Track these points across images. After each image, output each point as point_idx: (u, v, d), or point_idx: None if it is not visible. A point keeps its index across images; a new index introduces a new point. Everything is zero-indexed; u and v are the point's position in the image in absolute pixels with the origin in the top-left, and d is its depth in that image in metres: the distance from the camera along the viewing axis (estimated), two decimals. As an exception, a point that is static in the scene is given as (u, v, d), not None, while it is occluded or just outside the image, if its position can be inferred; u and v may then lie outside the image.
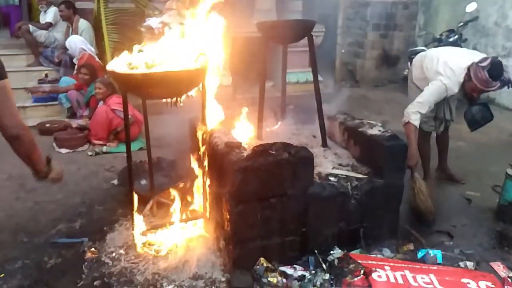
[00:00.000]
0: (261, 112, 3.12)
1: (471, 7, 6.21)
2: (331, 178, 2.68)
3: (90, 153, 4.46)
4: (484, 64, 3.07)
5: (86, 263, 2.59)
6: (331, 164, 2.89)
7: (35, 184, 3.69)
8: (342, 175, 2.74)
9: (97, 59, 5.69)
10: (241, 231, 2.39)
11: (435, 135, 3.79)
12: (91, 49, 5.74)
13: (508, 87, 3.38)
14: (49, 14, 6.35)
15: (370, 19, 7.93)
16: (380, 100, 6.96)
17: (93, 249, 2.71)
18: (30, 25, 6.25)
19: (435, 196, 3.30)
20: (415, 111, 3.15)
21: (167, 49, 2.45)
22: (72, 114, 5.41)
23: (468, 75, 3.15)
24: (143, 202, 2.96)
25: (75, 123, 4.91)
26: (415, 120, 3.14)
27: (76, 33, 6.02)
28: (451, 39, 6.10)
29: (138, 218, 2.61)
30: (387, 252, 2.69)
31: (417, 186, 3.11)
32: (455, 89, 3.22)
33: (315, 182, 2.58)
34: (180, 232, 2.72)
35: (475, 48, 6.51)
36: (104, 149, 4.52)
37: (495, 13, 6.63)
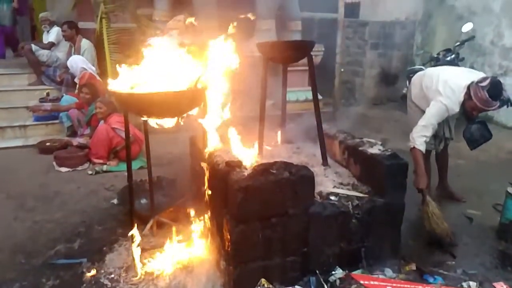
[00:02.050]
0: (261, 130, 3.14)
1: (467, 27, 6.31)
2: (332, 197, 2.67)
3: (90, 172, 4.45)
4: (484, 84, 3.10)
5: (84, 284, 2.55)
6: (331, 183, 2.88)
7: (34, 203, 3.70)
8: (343, 194, 2.73)
9: (98, 78, 5.75)
10: (242, 251, 2.37)
11: (435, 153, 3.80)
12: (92, 68, 5.80)
13: (508, 106, 3.40)
14: (52, 34, 6.45)
15: (368, 38, 8.05)
16: (380, 118, 7.00)
17: (92, 270, 2.67)
18: (33, 45, 6.34)
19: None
20: (420, 135, 3.19)
21: (168, 68, 2.48)
22: (73, 133, 5.42)
23: (468, 94, 3.18)
24: (143, 221, 2.94)
25: (75, 141, 4.93)
26: (421, 145, 3.18)
27: (78, 53, 6.10)
28: (448, 58, 6.17)
29: (138, 238, 2.59)
30: (389, 272, 2.66)
31: (430, 209, 3.06)
32: (456, 108, 3.24)
33: (316, 201, 2.57)
34: (181, 252, 2.69)
35: (472, 67, 6.58)
36: (104, 168, 4.52)
37: (491, 32, 6.74)
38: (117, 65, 2.49)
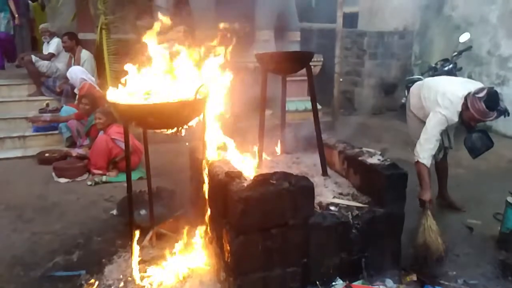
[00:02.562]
0: (261, 141, 3.14)
1: (464, 38, 6.37)
2: (332, 208, 2.66)
3: (89, 183, 4.44)
4: (481, 95, 3.11)
5: (83, 296, 2.54)
6: (331, 193, 2.88)
7: (33, 214, 3.69)
8: (343, 204, 2.73)
9: (98, 88, 5.76)
10: (242, 263, 2.36)
11: (434, 162, 3.80)
12: (92, 79, 5.82)
13: (505, 116, 3.42)
14: (52, 45, 6.50)
15: (367, 48, 8.10)
16: (379, 128, 7.01)
17: (91, 282, 2.66)
18: (33, 56, 6.37)
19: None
20: (424, 149, 3.22)
21: (167, 79, 2.49)
22: (72, 143, 5.42)
23: (465, 104, 3.19)
24: (142, 232, 2.92)
25: (75, 152, 4.93)
26: (424, 159, 3.21)
27: (78, 64, 6.13)
28: (446, 68, 6.22)
29: (137, 250, 2.58)
30: (390, 283, 2.64)
31: (428, 223, 3.06)
32: (455, 118, 3.26)
33: (316, 212, 2.57)
34: (180, 263, 2.68)
35: (470, 77, 6.63)
36: (104, 178, 4.51)
37: (487, 42, 6.79)
38: (119, 78, 2.50)
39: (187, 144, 3.33)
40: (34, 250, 3.11)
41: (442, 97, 3.29)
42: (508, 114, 3.50)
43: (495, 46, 6.69)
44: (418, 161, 3.24)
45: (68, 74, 5.84)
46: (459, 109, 3.23)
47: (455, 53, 6.41)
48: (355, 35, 8.37)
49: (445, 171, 3.85)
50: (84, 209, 3.83)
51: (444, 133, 3.55)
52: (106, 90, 2.41)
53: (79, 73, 5.75)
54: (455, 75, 5.81)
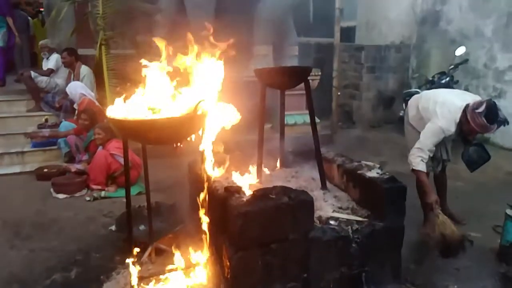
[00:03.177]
0: (260, 155, 3.14)
1: (460, 51, 6.43)
2: (332, 222, 2.66)
3: (88, 198, 4.43)
4: (480, 110, 3.13)
5: (81, 314, 2.51)
6: (331, 207, 2.88)
7: (31, 231, 3.67)
8: (342, 218, 2.72)
9: (97, 104, 5.78)
10: (242, 278, 2.34)
11: (433, 175, 3.80)
12: (91, 94, 5.84)
13: (504, 125, 3.44)
14: (51, 61, 6.52)
15: (364, 62, 8.16)
16: (377, 141, 7.03)
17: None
18: (32, 72, 6.40)
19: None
20: (415, 157, 3.26)
21: (167, 94, 2.50)
22: (70, 159, 5.41)
23: (465, 117, 3.21)
24: (141, 248, 2.90)
25: (74, 167, 4.91)
26: (418, 165, 3.24)
27: (78, 79, 6.15)
28: (443, 81, 6.26)
29: (136, 266, 2.55)
30: (390, 297, 2.63)
31: (440, 219, 3.13)
32: (451, 129, 3.27)
33: (316, 226, 2.56)
34: (180, 280, 2.65)
35: (466, 89, 6.65)
36: (103, 194, 4.49)
37: (483, 56, 6.86)
38: (118, 94, 2.51)
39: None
40: (31, 267, 3.08)
41: (440, 107, 3.32)
42: (508, 123, 3.52)
43: (491, 59, 6.75)
44: (413, 169, 3.28)
45: (67, 89, 5.86)
46: (457, 119, 3.24)
47: (452, 66, 6.46)
48: (353, 49, 8.45)
49: (444, 183, 3.85)
50: (82, 225, 3.81)
51: (442, 145, 3.56)
52: (105, 105, 2.41)
53: (79, 89, 5.77)
54: (452, 88, 5.84)
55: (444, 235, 3.06)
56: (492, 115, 3.13)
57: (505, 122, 3.37)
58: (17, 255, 3.28)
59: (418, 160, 3.25)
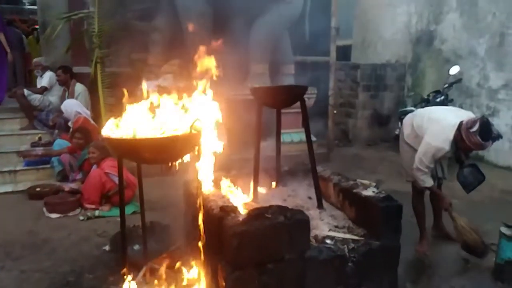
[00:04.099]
0: (256, 174, 3.13)
1: (454, 70, 6.51)
2: (328, 241, 2.64)
3: (81, 218, 4.36)
4: (475, 129, 3.14)
5: (72, 338, 2.44)
6: (327, 226, 2.85)
7: (22, 251, 3.59)
8: (338, 237, 2.70)
9: (92, 122, 5.76)
10: (238, 300, 2.30)
11: (429, 193, 3.79)
12: (86, 112, 5.82)
13: (498, 140, 3.45)
14: (45, 79, 6.49)
15: (360, 81, 8.25)
16: (373, 159, 7.04)
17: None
18: (25, 90, 6.36)
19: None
20: (419, 175, 3.38)
21: (162, 113, 2.49)
22: (63, 177, 5.35)
23: (459, 135, 3.22)
24: (136, 268, 2.85)
25: (67, 186, 4.85)
26: (425, 182, 3.40)
27: (72, 97, 6.13)
28: (438, 100, 6.31)
29: (130, 286, 2.50)
30: (388, 318, 2.58)
31: (459, 223, 3.32)
32: (446, 147, 3.27)
33: (312, 245, 2.54)
34: (174, 301, 2.60)
35: (461, 108, 6.72)
36: (97, 213, 4.43)
37: (477, 75, 6.95)
38: (113, 112, 2.49)
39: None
40: (22, 289, 3.02)
41: (434, 124, 3.35)
42: (501, 137, 3.54)
43: (484, 78, 6.83)
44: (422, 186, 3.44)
45: (62, 107, 5.83)
46: (451, 137, 3.25)
47: (446, 85, 6.53)
48: (349, 68, 8.54)
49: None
50: (75, 245, 3.74)
51: (437, 163, 3.56)
52: (100, 124, 2.40)
53: (74, 107, 5.75)
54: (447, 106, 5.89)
55: (466, 241, 3.30)
56: (486, 132, 3.14)
57: (498, 137, 3.39)
58: (8, 276, 3.20)
59: (422, 178, 3.37)
